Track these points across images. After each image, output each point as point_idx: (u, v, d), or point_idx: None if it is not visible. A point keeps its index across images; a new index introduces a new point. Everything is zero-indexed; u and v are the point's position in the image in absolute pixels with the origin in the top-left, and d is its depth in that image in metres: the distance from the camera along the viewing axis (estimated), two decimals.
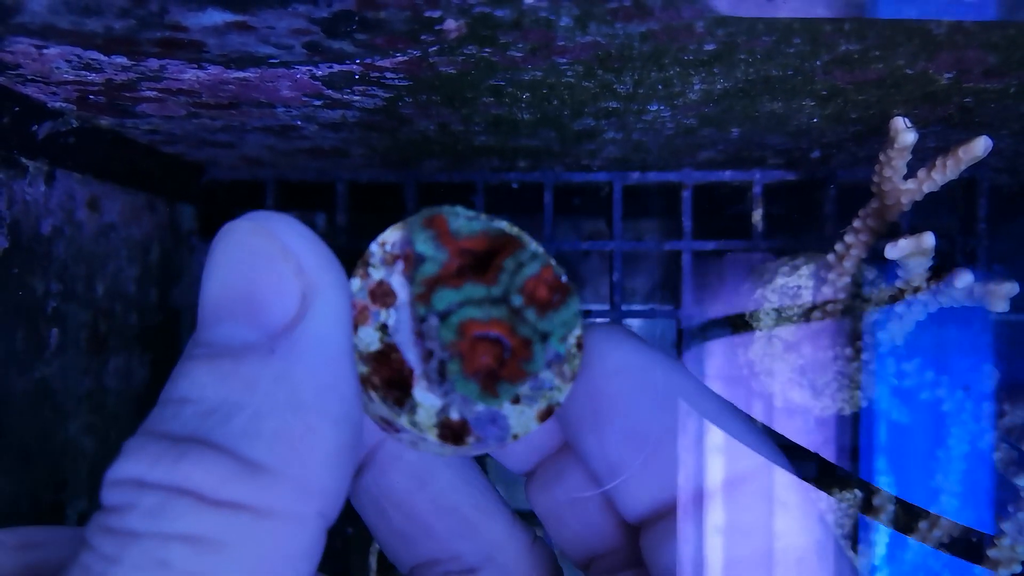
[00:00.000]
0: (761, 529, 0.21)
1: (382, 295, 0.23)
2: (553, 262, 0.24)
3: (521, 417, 0.23)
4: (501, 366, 0.22)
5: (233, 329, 0.20)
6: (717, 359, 0.57)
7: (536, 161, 0.61)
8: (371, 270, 0.23)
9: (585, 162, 0.61)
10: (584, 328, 0.24)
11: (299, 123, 0.49)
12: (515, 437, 0.23)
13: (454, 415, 0.23)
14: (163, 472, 0.18)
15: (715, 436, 0.22)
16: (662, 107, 0.46)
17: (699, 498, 0.22)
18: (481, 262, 0.23)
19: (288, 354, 0.20)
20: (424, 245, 0.23)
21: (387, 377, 0.22)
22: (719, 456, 0.22)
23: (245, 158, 0.59)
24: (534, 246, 0.24)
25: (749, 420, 0.23)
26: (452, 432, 0.22)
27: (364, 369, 0.22)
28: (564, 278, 0.24)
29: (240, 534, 0.18)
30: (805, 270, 0.52)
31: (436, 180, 0.63)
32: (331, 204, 0.64)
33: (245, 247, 0.20)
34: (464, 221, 0.23)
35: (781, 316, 0.51)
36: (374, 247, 0.23)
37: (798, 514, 0.22)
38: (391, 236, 0.23)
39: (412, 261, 0.23)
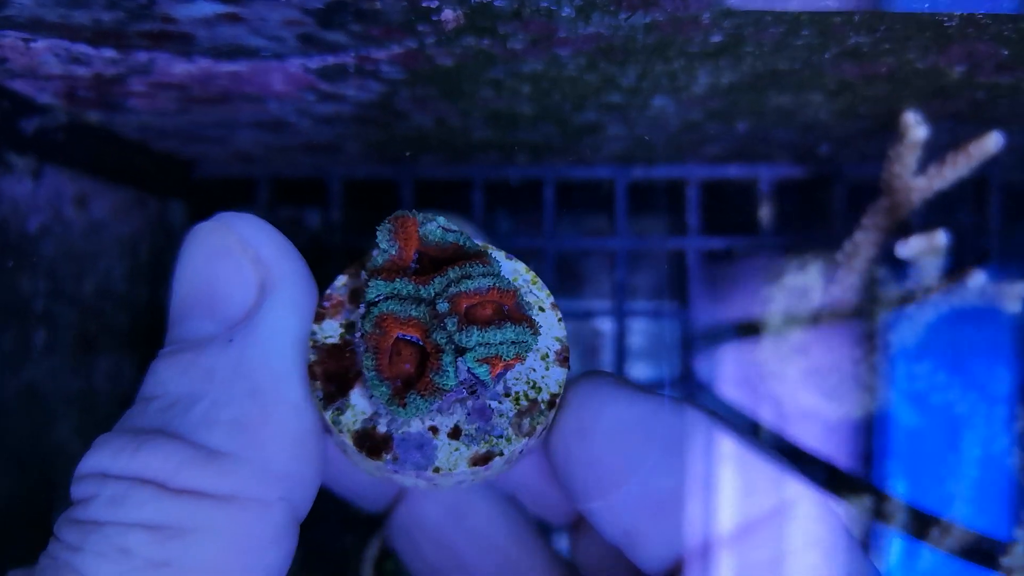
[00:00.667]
0: (790, 566, 0.20)
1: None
2: (524, 293, 0.23)
3: (453, 454, 0.22)
4: (418, 377, 0.22)
5: (196, 324, 0.21)
6: (724, 361, 0.57)
7: (536, 156, 0.60)
8: (363, 272, 0.23)
9: (587, 157, 0.61)
10: (562, 386, 0.23)
11: (292, 118, 0.48)
12: (436, 471, 0.22)
13: (381, 428, 0.22)
14: (124, 463, 0.19)
15: (729, 478, 0.21)
16: (666, 101, 0.45)
17: (721, 543, 0.21)
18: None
19: (244, 342, 0.20)
20: (380, 235, 0.23)
21: (330, 370, 0.22)
22: (736, 498, 0.21)
23: (237, 154, 0.59)
24: (503, 269, 0.23)
25: (762, 449, 0.22)
26: (371, 443, 0.22)
27: (313, 358, 0.22)
28: (549, 308, 0.23)
29: (202, 520, 0.18)
30: (814, 269, 0.51)
31: (433, 176, 0.63)
32: (325, 201, 0.63)
33: (207, 245, 0.21)
34: (437, 230, 0.23)
35: (790, 316, 0.50)
36: (376, 252, 0.23)
37: (827, 544, 0.21)
38: None
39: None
